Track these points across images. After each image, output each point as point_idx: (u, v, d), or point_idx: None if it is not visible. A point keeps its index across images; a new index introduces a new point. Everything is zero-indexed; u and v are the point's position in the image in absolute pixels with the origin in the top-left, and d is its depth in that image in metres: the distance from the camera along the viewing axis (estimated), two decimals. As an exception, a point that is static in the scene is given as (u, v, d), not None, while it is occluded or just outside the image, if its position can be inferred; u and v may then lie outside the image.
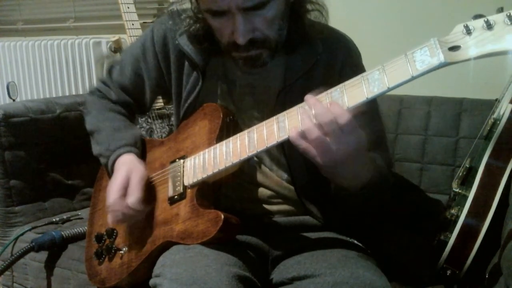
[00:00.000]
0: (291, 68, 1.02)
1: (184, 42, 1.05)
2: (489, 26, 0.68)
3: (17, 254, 1.29)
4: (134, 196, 0.98)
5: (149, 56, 1.12)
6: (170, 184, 1.02)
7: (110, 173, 1.08)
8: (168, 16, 1.11)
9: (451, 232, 1.02)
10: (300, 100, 0.85)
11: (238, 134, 0.92)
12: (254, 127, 0.89)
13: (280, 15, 0.95)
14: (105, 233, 1.09)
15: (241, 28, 0.89)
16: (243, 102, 1.05)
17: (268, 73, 1.03)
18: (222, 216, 0.88)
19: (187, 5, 1.04)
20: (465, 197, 1.04)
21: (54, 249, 1.32)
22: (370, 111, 1.03)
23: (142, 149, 1.12)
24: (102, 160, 1.11)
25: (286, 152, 1.01)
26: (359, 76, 0.77)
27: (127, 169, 1.02)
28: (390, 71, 0.73)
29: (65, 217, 1.48)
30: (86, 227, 1.23)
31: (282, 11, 0.95)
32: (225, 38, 0.95)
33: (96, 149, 1.13)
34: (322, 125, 0.75)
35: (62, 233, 1.32)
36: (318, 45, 1.02)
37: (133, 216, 1.00)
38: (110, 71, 1.21)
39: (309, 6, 1.01)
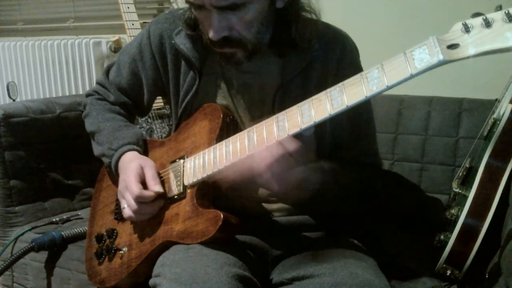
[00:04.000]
0: (287, 67, 1.02)
1: (180, 41, 1.05)
2: (487, 24, 0.68)
3: (17, 254, 1.28)
4: (158, 185, 0.99)
5: (146, 56, 1.12)
6: (170, 184, 1.02)
7: (114, 172, 1.09)
8: (164, 16, 1.11)
9: (451, 232, 1.02)
10: (298, 98, 0.85)
11: (238, 134, 0.92)
12: (254, 127, 0.89)
13: (261, 19, 0.94)
14: (105, 233, 1.09)
15: (214, 24, 0.90)
16: (241, 101, 1.05)
17: (264, 72, 1.03)
18: (222, 216, 0.88)
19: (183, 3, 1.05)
20: (465, 197, 1.04)
21: (54, 249, 1.32)
22: (360, 113, 1.04)
23: (143, 149, 1.12)
24: (105, 160, 1.11)
25: None
26: (358, 75, 0.77)
27: (139, 162, 1.02)
28: (389, 70, 0.73)
29: (65, 217, 1.48)
30: (86, 227, 1.23)
31: (263, 15, 0.94)
32: (205, 31, 0.96)
33: (98, 149, 1.13)
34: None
35: (62, 233, 1.32)
36: (314, 44, 1.01)
37: (153, 209, 0.99)
38: (107, 73, 1.21)
39: (303, 14, 1.00)
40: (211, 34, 0.91)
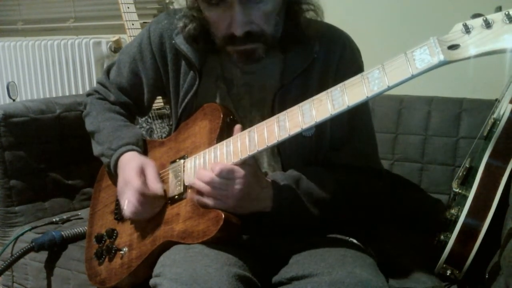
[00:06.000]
0: (288, 67, 1.02)
1: (180, 42, 1.05)
2: (487, 25, 0.68)
3: (17, 254, 1.29)
4: (159, 184, 0.99)
5: (146, 56, 1.12)
6: (170, 184, 1.02)
7: (113, 172, 1.09)
8: (165, 16, 1.11)
9: (451, 232, 1.02)
10: (298, 99, 0.85)
11: (238, 134, 0.92)
12: (255, 127, 0.89)
13: (278, 10, 0.95)
14: (105, 233, 1.09)
15: (239, 18, 0.89)
16: (241, 101, 1.05)
17: (265, 72, 1.03)
18: (223, 216, 0.88)
19: (183, 3, 1.04)
20: (465, 197, 1.04)
21: (54, 249, 1.32)
22: (357, 116, 1.03)
23: (143, 149, 1.12)
24: (104, 160, 1.11)
25: (282, 158, 1.02)
26: (359, 75, 0.77)
27: (139, 162, 1.02)
28: (390, 70, 0.74)
29: (65, 217, 1.47)
30: (86, 227, 1.22)
31: (279, 6, 0.95)
32: (221, 31, 0.94)
33: (97, 149, 1.13)
34: (207, 182, 0.90)
35: (62, 233, 1.32)
36: (315, 44, 1.01)
37: (153, 208, 0.99)
38: (107, 72, 1.21)
39: (305, 7, 1.01)
40: (237, 30, 0.90)
